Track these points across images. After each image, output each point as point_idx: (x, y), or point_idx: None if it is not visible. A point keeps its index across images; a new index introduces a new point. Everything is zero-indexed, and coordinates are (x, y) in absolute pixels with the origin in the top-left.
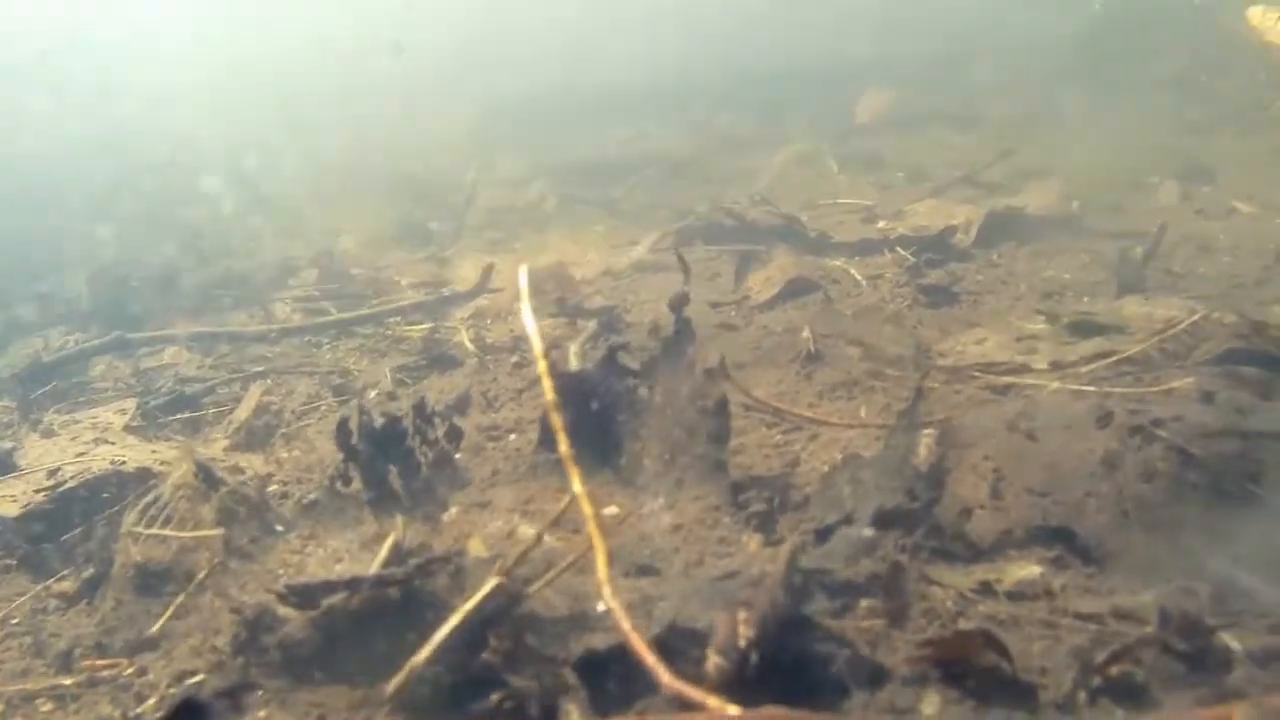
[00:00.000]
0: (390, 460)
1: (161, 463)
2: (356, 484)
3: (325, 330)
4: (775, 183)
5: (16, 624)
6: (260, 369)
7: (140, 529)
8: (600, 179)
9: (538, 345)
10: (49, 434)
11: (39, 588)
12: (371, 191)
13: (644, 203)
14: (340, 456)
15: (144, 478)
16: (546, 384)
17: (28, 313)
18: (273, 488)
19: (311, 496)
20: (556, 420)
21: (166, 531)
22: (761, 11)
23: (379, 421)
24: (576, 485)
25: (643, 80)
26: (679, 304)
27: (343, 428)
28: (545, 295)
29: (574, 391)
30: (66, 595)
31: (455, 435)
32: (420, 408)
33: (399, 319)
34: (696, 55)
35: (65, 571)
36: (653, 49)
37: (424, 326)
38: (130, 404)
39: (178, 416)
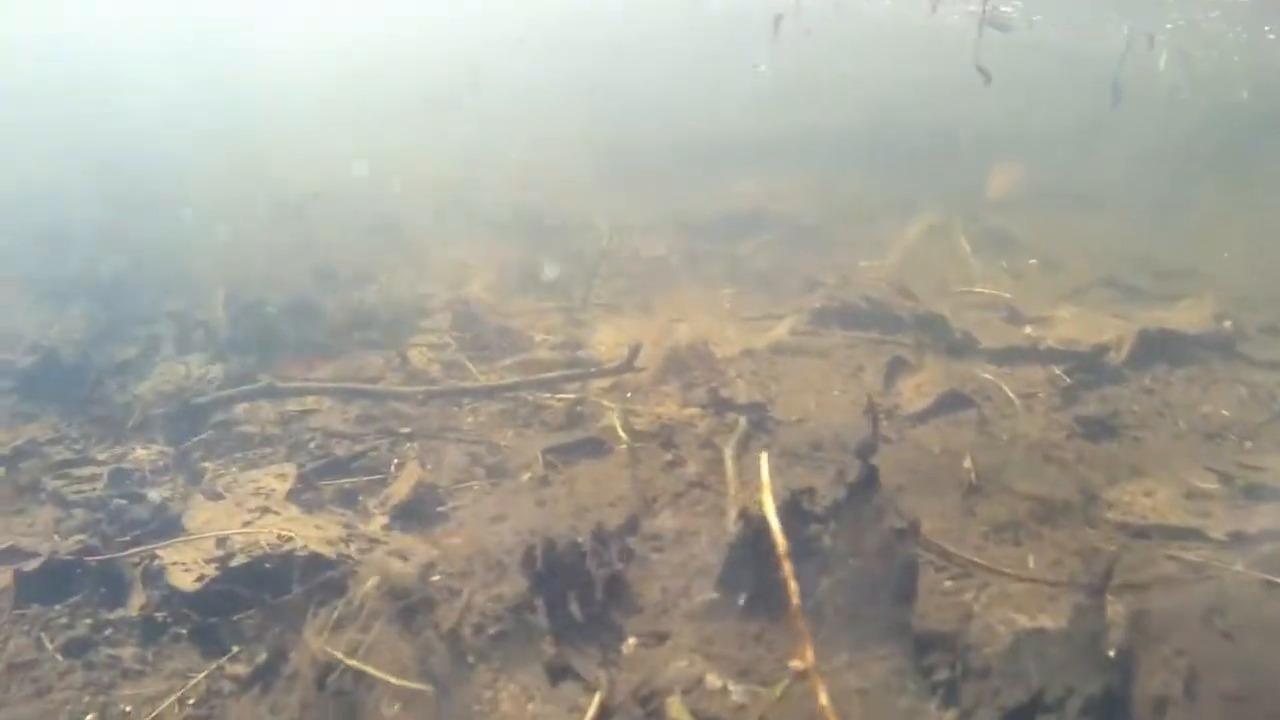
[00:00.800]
0: (570, 586)
1: (327, 543)
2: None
3: (468, 393)
4: (905, 258)
5: (194, 705)
6: (406, 430)
7: (340, 656)
8: (725, 234)
9: (781, 543)
10: (213, 495)
11: (213, 666)
12: (493, 225)
13: (771, 266)
14: (526, 585)
15: (316, 565)
16: (792, 588)
17: (164, 332)
18: (436, 578)
19: (498, 627)
20: (800, 622)
21: (369, 669)
22: (886, 72)
23: (562, 550)
24: (806, 658)
25: (767, 132)
26: (866, 451)
27: (529, 559)
28: (688, 376)
29: (755, 537)
30: (240, 679)
31: (628, 556)
32: (600, 533)
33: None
34: (821, 111)
35: (235, 650)
36: (778, 102)
37: (567, 397)
38: (289, 469)
39: (333, 483)
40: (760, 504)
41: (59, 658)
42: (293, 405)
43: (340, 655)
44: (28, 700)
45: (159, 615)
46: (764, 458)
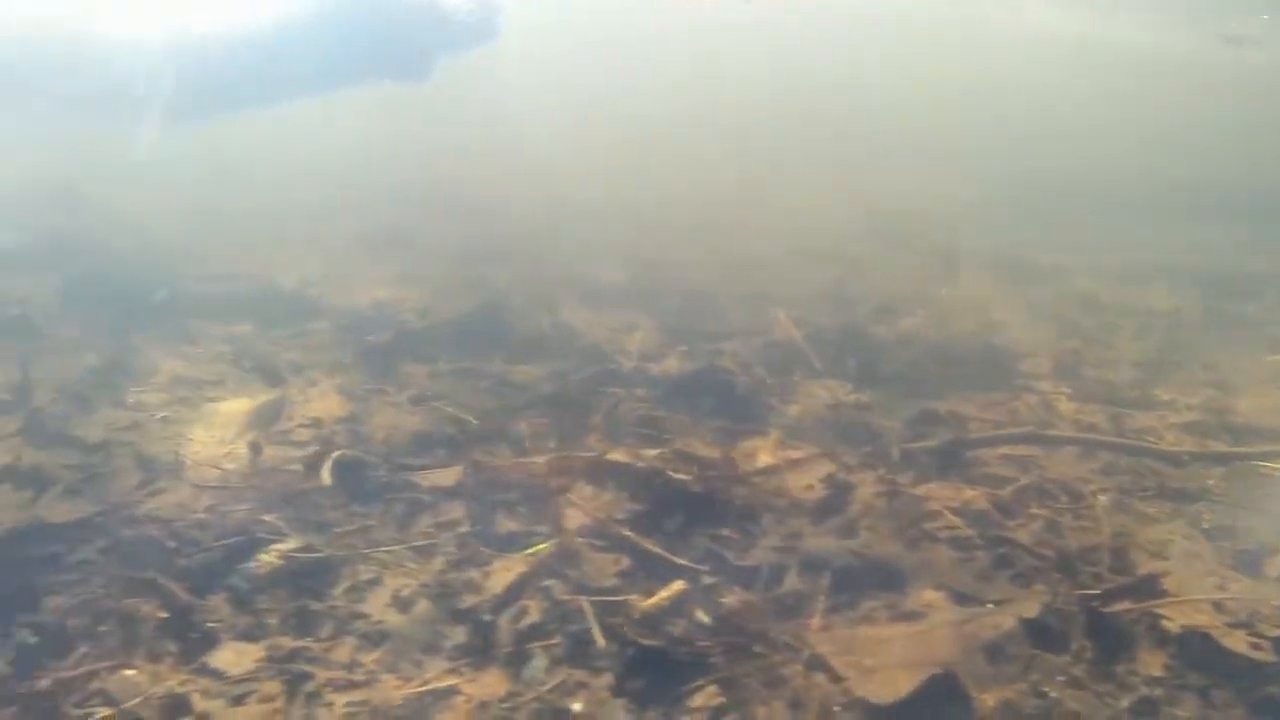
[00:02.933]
0: None
1: None
2: None
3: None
4: None
5: None
6: (1176, 487)
7: None
8: (1201, 288)
9: None
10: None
11: None
12: (970, 264)
13: None
14: None
15: None
16: None
17: (736, 349)
18: None
19: None
20: None
21: None
22: None
23: None
24: None
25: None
26: None
27: None
28: None
29: None
30: None
31: None
32: None
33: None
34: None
35: None
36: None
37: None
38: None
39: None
40: None
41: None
42: (1003, 448)
43: None
44: None
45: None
46: None
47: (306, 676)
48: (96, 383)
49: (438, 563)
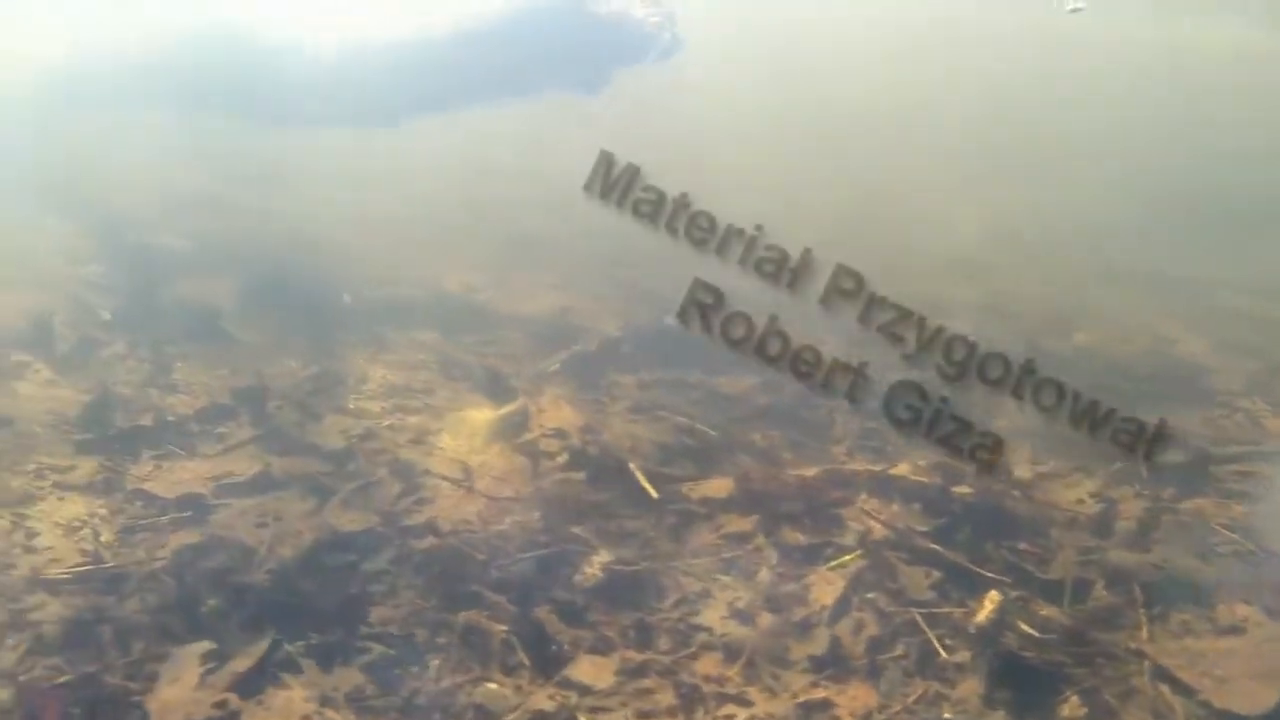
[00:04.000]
0: None
1: None
2: None
3: None
4: None
5: None
6: None
7: None
8: None
9: None
10: None
11: None
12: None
13: None
14: None
15: None
16: None
17: None
18: None
19: None
20: None
21: None
22: None
23: None
24: None
25: None
26: None
27: None
28: None
29: None
30: None
31: None
32: None
33: None
34: None
35: None
36: None
37: None
38: None
39: None
40: None
41: None
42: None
43: None
44: None
45: None
46: None
47: (694, 689)
48: (312, 389)
49: (759, 575)
